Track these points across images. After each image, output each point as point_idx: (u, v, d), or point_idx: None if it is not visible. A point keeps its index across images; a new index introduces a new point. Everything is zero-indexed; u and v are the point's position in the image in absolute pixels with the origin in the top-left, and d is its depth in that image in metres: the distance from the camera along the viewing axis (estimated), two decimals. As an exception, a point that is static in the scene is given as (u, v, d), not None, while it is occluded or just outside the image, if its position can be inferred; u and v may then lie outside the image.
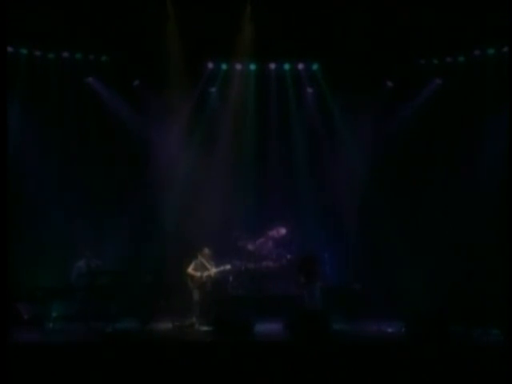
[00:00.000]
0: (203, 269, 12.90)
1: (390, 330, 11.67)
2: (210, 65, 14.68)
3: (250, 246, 14.05)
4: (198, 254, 13.01)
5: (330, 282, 13.44)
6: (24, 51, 13.96)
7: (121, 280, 12.83)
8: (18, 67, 13.86)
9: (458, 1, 12.79)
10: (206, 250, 13.01)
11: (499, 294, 11.74)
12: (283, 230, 14.15)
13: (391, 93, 14.63)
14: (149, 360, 9.41)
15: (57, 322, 12.25)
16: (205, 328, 12.00)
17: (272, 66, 14.70)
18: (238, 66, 14.65)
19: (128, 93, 14.57)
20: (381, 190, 14.48)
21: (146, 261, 14.24)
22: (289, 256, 13.93)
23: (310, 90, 15.09)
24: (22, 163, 13.83)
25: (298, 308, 12.51)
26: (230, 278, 13.62)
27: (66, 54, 14.18)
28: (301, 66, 14.78)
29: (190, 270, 12.88)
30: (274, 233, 14.17)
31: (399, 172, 14.55)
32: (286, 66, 14.78)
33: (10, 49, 13.32)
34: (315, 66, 14.73)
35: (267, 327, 11.79)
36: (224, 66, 14.74)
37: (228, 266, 13.14)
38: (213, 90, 15.04)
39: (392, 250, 13.96)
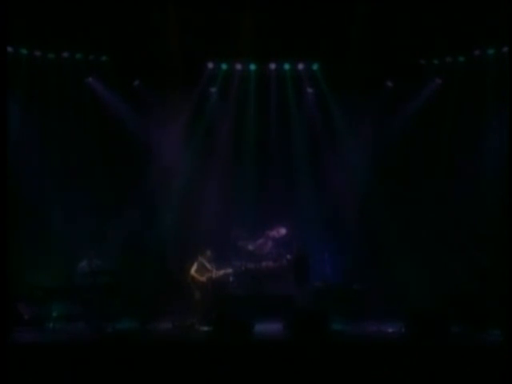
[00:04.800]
0: (204, 270, 12.95)
1: (390, 330, 11.67)
2: (210, 65, 14.66)
3: (250, 246, 14.02)
4: (199, 255, 13.04)
5: (330, 281, 13.45)
6: (24, 51, 13.92)
7: (121, 280, 12.83)
8: (18, 67, 13.83)
9: (458, 1, 12.80)
10: (209, 253, 13.07)
11: (499, 293, 11.73)
12: (283, 230, 14.12)
13: (391, 93, 14.62)
14: (149, 360, 9.41)
15: (57, 322, 12.26)
16: (205, 328, 11.99)
17: (272, 65, 14.66)
18: (238, 66, 14.64)
19: (128, 93, 14.55)
20: (381, 190, 14.49)
21: (146, 260, 14.25)
22: (289, 256, 13.90)
23: (310, 90, 15.08)
24: (22, 163, 13.81)
25: (298, 308, 12.53)
26: (231, 278, 13.62)
27: (65, 54, 14.14)
28: (301, 66, 14.75)
29: (193, 271, 12.90)
30: (274, 233, 14.13)
31: (399, 172, 14.53)
32: (286, 66, 14.74)
33: (9, 49, 13.30)
34: (315, 66, 14.70)
35: (267, 327, 11.79)
36: (224, 66, 14.72)
37: (229, 270, 13.23)
38: (213, 90, 15.03)
39: (392, 250, 13.97)
